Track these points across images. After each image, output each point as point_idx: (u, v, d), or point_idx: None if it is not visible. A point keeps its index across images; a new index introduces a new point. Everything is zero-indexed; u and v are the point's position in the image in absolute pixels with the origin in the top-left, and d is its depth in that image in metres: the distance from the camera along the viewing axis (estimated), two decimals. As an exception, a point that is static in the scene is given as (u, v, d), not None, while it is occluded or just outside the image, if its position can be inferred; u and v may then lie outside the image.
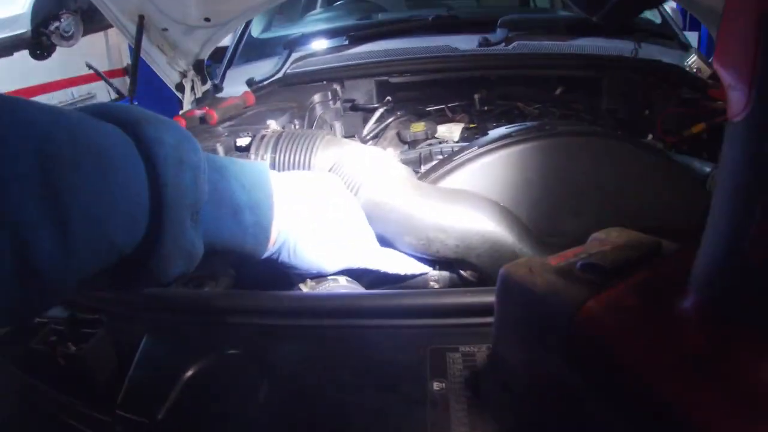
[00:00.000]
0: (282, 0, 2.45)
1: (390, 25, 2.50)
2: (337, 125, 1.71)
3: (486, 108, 2.06)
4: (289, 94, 2.05)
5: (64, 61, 10.23)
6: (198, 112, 1.91)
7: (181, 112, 2.52)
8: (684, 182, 1.22)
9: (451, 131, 1.84)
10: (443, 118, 2.09)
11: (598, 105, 2.05)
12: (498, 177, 1.19)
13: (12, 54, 8.36)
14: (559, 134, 1.21)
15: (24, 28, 7.88)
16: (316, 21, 3.10)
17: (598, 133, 1.25)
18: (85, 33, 8.12)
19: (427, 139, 1.78)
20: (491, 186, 1.18)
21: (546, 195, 1.19)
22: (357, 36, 2.43)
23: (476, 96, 2.07)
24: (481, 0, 3.71)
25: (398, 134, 1.84)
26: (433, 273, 1.12)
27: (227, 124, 1.74)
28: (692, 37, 4.21)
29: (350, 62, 2.26)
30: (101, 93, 12.25)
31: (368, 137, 2.00)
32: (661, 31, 2.57)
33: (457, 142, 1.80)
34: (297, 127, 1.77)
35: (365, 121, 2.08)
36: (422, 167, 1.41)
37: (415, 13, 3.00)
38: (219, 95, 2.53)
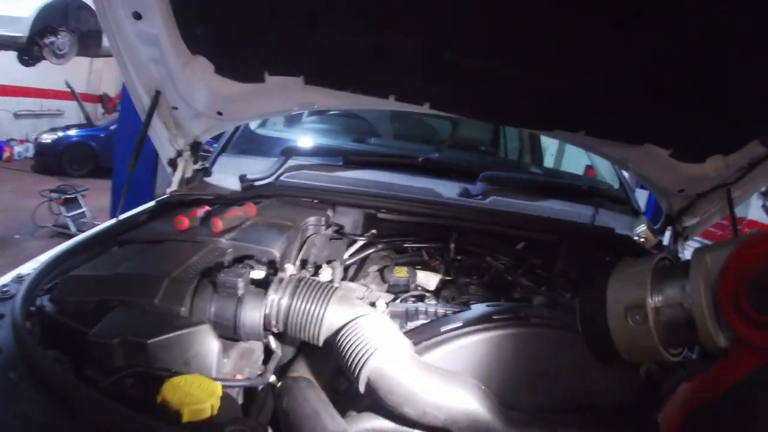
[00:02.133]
0: (289, 113, 2.65)
1: (384, 157, 2.74)
2: (338, 270, 1.86)
3: (459, 257, 2.28)
4: (286, 210, 2.18)
5: (45, 72, 10.09)
6: (199, 212, 2.03)
7: (168, 190, 2.61)
8: (624, 370, 1.40)
9: (428, 279, 2.03)
10: (419, 258, 2.30)
11: (554, 265, 2.29)
12: (477, 355, 1.41)
13: (-1, 51, 8.05)
14: (530, 324, 1.47)
15: (22, 32, 7.82)
16: (311, 130, 3.31)
17: (559, 326, 1.48)
18: (78, 54, 8.08)
19: (407, 284, 1.97)
20: (471, 361, 1.40)
21: (513, 374, 1.42)
22: (352, 160, 2.64)
23: (451, 245, 2.28)
24: (459, 131, 4.02)
25: (381, 274, 2.02)
26: (417, 432, 1.31)
27: (229, 235, 1.85)
28: (643, 195, 4.56)
29: (344, 187, 2.43)
30: (70, 113, 11.96)
31: (348, 263, 2.18)
32: (617, 196, 2.88)
33: (432, 291, 2.01)
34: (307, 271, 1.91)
35: (348, 247, 2.26)
36: (408, 323, 1.58)
37: (405, 147, 3.26)
38: (207, 179, 2.62)
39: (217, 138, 2.99)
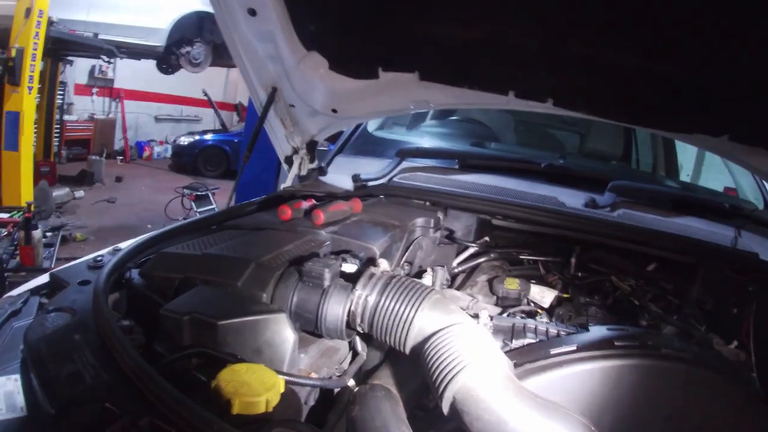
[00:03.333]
0: (405, 113, 2.54)
1: (503, 161, 2.53)
2: (440, 273, 1.70)
3: (580, 274, 2.03)
4: (394, 209, 2.04)
5: (184, 80, 11.02)
6: (304, 204, 1.95)
7: (282, 186, 2.61)
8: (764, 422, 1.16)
9: (543, 295, 1.80)
10: (535, 272, 2.07)
11: (687, 291, 1.98)
12: (590, 386, 1.17)
13: (140, 59, 8.96)
14: (659, 356, 1.21)
15: (159, 42, 8.53)
16: (429, 134, 3.17)
17: (698, 362, 1.22)
18: (213, 64, 8.67)
19: (519, 298, 1.76)
20: (582, 393, 1.16)
21: (631, 414, 1.17)
22: (469, 164, 2.47)
23: (572, 260, 2.04)
24: (587, 143, 3.71)
25: (490, 284, 1.82)
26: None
27: (330, 229, 1.75)
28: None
29: (457, 190, 2.26)
30: (207, 119, 12.97)
31: (457, 270, 2.00)
32: (762, 218, 2.47)
33: (545, 309, 1.78)
34: (401, 268, 1.77)
35: (458, 253, 2.08)
36: (513, 341, 1.38)
37: (526, 152, 3.04)
38: (322, 178, 2.60)
39: (335, 139, 2.96)
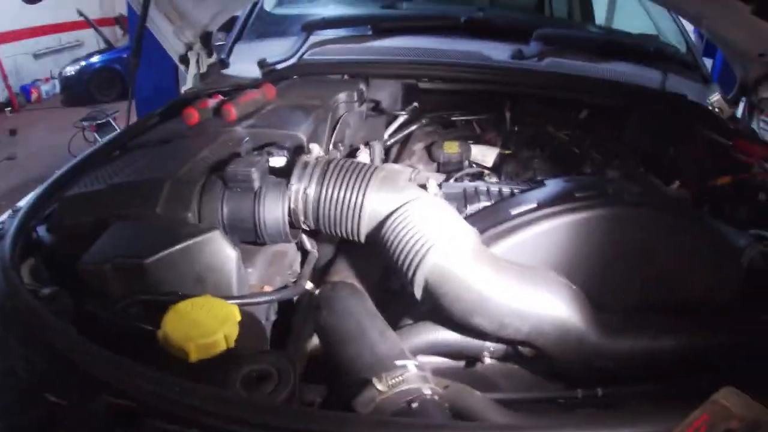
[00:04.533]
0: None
1: (419, 20, 2.34)
2: (377, 148, 1.56)
3: (516, 128, 1.94)
4: (312, 89, 1.85)
5: (54, 5, 9.82)
6: (211, 102, 1.73)
7: (183, 89, 2.35)
8: (724, 258, 1.16)
9: (484, 154, 1.71)
10: (471, 132, 1.96)
11: (622, 135, 1.95)
12: (559, 243, 1.10)
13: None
14: (623, 204, 1.16)
15: None
16: (334, 2, 2.89)
17: (658, 206, 1.21)
18: None
19: (461, 161, 1.66)
20: (551, 251, 1.10)
21: (602, 266, 1.11)
22: (383, 27, 2.26)
23: (507, 114, 1.94)
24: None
25: (428, 151, 1.70)
26: (488, 344, 1.03)
27: (246, 123, 1.55)
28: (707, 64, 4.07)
29: (376, 58, 2.07)
30: (90, 41, 11.76)
31: (390, 142, 1.87)
32: (686, 61, 2.44)
33: (490, 168, 1.69)
34: (336, 149, 1.63)
35: (387, 124, 1.94)
36: (468, 207, 1.29)
37: (442, 8, 2.83)
38: (225, 71, 2.35)
39: (231, 28, 2.67)
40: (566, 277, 1.04)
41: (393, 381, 0.80)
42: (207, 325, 0.81)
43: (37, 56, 11.60)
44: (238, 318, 0.84)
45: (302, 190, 1.08)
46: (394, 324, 1.05)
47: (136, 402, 0.74)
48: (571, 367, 1.03)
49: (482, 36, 2.22)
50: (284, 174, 1.14)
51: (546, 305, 0.95)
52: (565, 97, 2.00)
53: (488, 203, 1.28)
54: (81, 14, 10.53)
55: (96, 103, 9.79)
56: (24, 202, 1.39)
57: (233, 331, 0.82)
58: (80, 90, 10.41)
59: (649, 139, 1.87)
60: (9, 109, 10.77)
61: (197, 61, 2.36)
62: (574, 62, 2.08)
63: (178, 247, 0.97)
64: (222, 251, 0.99)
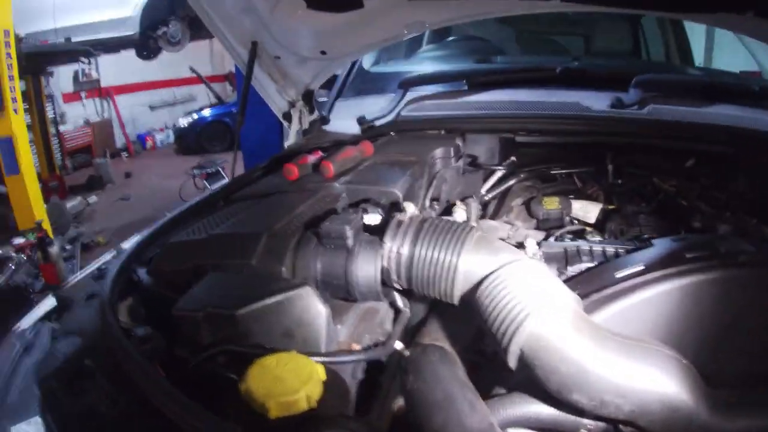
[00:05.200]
0: (402, 39, 2.33)
1: (514, 74, 2.31)
2: (474, 206, 1.53)
3: (619, 181, 1.84)
4: (408, 145, 1.86)
5: (169, 63, 10.76)
6: (311, 158, 1.77)
7: (286, 144, 2.43)
8: None
9: (586, 210, 1.62)
10: (570, 186, 1.88)
11: (731, 184, 1.79)
12: (668, 310, 0.99)
13: (118, 52, 8.78)
14: (738, 265, 1.04)
15: (132, 30, 8.28)
16: (429, 59, 2.93)
17: None
18: (192, 39, 8.44)
19: (561, 217, 1.58)
20: (659, 320, 0.99)
21: (716, 334, 0.99)
22: (478, 82, 2.25)
23: (609, 166, 1.85)
24: (593, 44, 3.46)
25: (527, 207, 1.65)
26: (585, 421, 0.94)
27: (344, 179, 1.57)
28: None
29: (472, 112, 2.06)
30: (201, 96, 12.75)
31: (487, 198, 1.82)
32: None
33: (593, 225, 1.60)
34: (432, 209, 1.61)
35: (485, 180, 1.90)
36: (569, 268, 1.22)
37: (537, 59, 2.80)
38: (325, 127, 2.42)
39: (331, 86, 2.76)
40: (675, 348, 0.93)
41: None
42: (290, 382, 0.79)
43: (152, 108, 12.67)
44: (323, 378, 0.82)
45: (395, 249, 1.06)
46: (485, 390, 0.99)
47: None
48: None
49: (579, 86, 2.15)
50: (378, 232, 1.12)
51: (652, 382, 0.85)
52: (670, 146, 1.88)
53: (591, 264, 1.21)
54: (193, 71, 11.41)
55: (206, 153, 10.44)
56: (128, 245, 1.47)
57: (316, 391, 0.80)
58: (192, 140, 11.20)
59: (761, 188, 1.71)
60: (125, 154, 11.72)
61: (299, 118, 2.46)
62: (677, 108, 1.95)
63: (269, 301, 0.97)
64: (312, 307, 0.98)
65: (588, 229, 1.57)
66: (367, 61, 2.89)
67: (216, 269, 1.15)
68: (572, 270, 1.20)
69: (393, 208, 1.40)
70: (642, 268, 1.07)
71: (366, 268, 1.07)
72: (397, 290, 1.16)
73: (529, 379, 0.89)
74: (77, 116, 11.17)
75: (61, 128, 10.43)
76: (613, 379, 0.82)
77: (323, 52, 2.18)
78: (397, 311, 1.23)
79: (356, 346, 1.07)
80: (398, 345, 1.12)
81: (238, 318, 0.95)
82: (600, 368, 0.82)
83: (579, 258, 1.23)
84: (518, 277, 0.92)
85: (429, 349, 1.03)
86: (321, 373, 0.82)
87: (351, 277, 1.08)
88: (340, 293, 1.13)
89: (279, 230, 1.23)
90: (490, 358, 1.13)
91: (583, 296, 1.01)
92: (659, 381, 0.84)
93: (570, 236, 1.46)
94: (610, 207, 1.66)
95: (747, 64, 2.80)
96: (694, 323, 1.00)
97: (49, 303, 1.41)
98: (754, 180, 1.73)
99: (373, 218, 1.21)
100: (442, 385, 0.91)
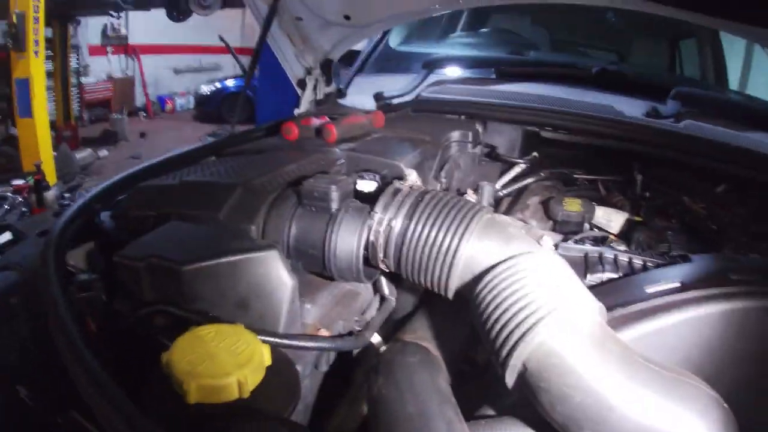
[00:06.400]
0: (431, 14, 2.15)
1: (547, 67, 2.11)
2: (487, 190, 1.34)
3: (647, 194, 1.64)
4: (424, 124, 1.66)
5: (199, 28, 10.64)
6: (315, 121, 1.58)
7: (296, 112, 2.26)
8: None
9: (610, 218, 1.42)
10: (594, 193, 1.68)
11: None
12: (708, 338, 0.81)
13: (148, 9, 8.70)
14: None
15: None
16: (459, 45, 2.73)
17: None
18: (223, 6, 8.35)
19: (581, 222, 1.38)
20: (696, 348, 0.81)
21: (762, 373, 0.81)
22: (507, 72, 2.06)
23: (638, 177, 1.65)
24: (627, 63, 3.27)
25: (545, 207, 1.45)
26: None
27: (346, 145, 1.39)
28: None
29: (497, 100, 1.88)
30: (227, 66, 12.65)
31: (503, 192, 1.63)
32: None
33: (616, 235, 1.41)
34: (437, 180, 1.42)
35: (502, 173, 1.70)
36: (588, 276, 1.03)
37: (572, 58, 2.60)
38: (341, 101, 2.25)
39: (352, 62, 2.59)
40: (712, 382, 0.73)
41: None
42: (222, 362, 0.61)
43: (177, 71, 12.60)
44: (267, 363, 0.63)
45: (386, 221, 0.86)
46: (470, 409, 0.79)
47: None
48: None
49: (614, 89, 1.98)
50: (371, 201, 0.93)
51: (684, 424, 0.65)
52: (703, 165, 1.69)
53: (615, 275, 1.01)
54: (222, 40, 11.30)
55: (224, 122, 10.32)
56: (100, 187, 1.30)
57: (253, 378, 0.61)
58: (211, 108, 11.11)
59: None
60: (144, 114, 11.65)
61: (315, 87, 2.30)
62: (715, 127, 1.77)
63: (224, 259, 0.78)
64: (276, 275, 0.80)
65: (611, 237, 1.37)
66: (394, 40, 2.72)
67: (180, 218, 0.97)
68: (592, 279, 1.01)
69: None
70: (678, 284, 0.88)
71: (348, 239, 0.88)
72: (384, 273, 0.97)
73: (527, 403, 0.69)
74: (100, 70, 11.11)
75: (83, 80, 10.37)
76: (642, 421, 0.62)
77: (347, 17, 2.01)
78: (382, 299, 1.04)
79: (324, 332, 0.87)
80: (375, 338, 0.93)
81: (185, 274, 0.77)
82: (627, 404, 0.62)
83: (601, 266, 1.03)
84: (532, 273, 0.72)
85: (408, 347, 0.84)
86: (266, 357, 0.63)
87: (329, 246, 0.88)
88: (315, 266, 0.93)
89: (257, 185, 1.03)
90: (482, 370, 0.93)
91: (607, 310, 0.81)
92: (694, 425, 0.64)
93: (590, 242, 1.26)
94: (637, 219, 1.45)
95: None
96: (736, 357, 0.81)
97: (5, 236, 1.28)
98: None
99: (367, 185, 1.02)
100: (417, 396, 0.71)
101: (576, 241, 1.22)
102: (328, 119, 1.61)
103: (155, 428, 0.54)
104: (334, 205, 0.90)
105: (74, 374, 0.65)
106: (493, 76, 2.08)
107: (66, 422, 0.71)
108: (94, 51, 10.91)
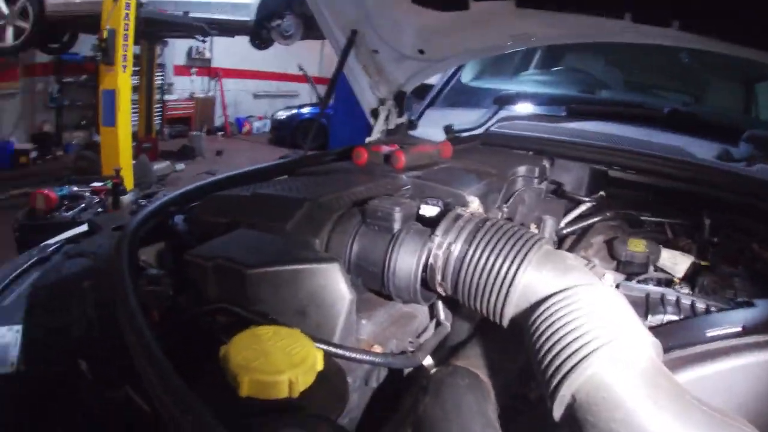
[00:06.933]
0: (504, 51, 2.17)
1: (618, 106, 2.09)
2: (549, 223, 1.33)
3: (715, 240, 1.58)
4: (491, 157, 1.66)
5: (280, 56, 11.08)
6: (385, 149, 1.61)
7: (367, 140, 2.31)
8: None
9: (675, 261, 1.38)
10: (660, 235, 1.64)
11: None
12: (765, 384, 0.77)
13: (233, 36, 9.09)
14: None
15: (249, 16, 8.54)
16: (531, 82, 2.73)
17: None
18: (304, 37, 8.61)
19: (646, 263, 1.35)
20: (754, 394, 0.77)
21: None
22: (578, 110, 2.05)
23: (707, 222, 1.59)
24: (700, 99, 3.17)
25: (609, 246, 1.42)
26: None
27: (413, 173, 1.42)
28: None
29: (565, 138, 1.86)
30: (304, 94, 13.09)
31: (567, 230, 1.61)
32: None
33: (681, 279, 1.36)
34: (499, 210, 1.42)
35: (567, 211, 1.68)
36: (649, 317, 1.00)
37: (643, 98, 2.56)
38: (411, 132, 2.30)
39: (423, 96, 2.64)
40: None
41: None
42: (275, 360, 0.63)
43: (256, 96, 13.09)
44: (319, 367, 0.65)
45: (446, 244, 0.88)
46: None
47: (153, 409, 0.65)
48: None
49: (685, 131, 1.94)
50: (433, 225, 0.94)
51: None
52: None
53: (676, 317, 0.98)
54: (301, 69, 11.69)
55: (297, 147, 10.62)
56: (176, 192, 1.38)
57: (304, 379, 0.63)
58: (286, 133, 11.46)
59: None
60: (221, 133, 12.15)
61: (387, 117, 2.37)
62: None
63: (288, 267, 0.82)
64: (336, 288, 0.82)
65: (676, 280, 1.32)
66: (467, 75, 2.75)
67: (249, 227, 1.02)
68: (653, 320, 0.98)
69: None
70: (740, 329, 0.85)
71: (407, 259, 0.89)
72: (441, 297, 0.98)
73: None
74: (183, 89, 11.70)
75: (166, 97, 10.92)
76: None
77: (421, 51, 2.08)
78: (437, 324, 1.04)
79: (378, 348, 0.89)
80: (428, 360, 0.93)
81: (249, 277, 0.81)
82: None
83: (663, 308, 1.00)
84: (588, 304, 0.71)
85: (459, 371, 0.84)
86: (317, 362, 0.65)
87: (389, 265, 0.90)
88: (374, 284, 0.95)
89: (325, 202, 1.07)
90: (533, 405, 0.92)
91: (664, 351, 0.79)
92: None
93: (653, 283, 1.23)
94: (703, 263, 1.40)
95: None
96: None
97: (83, 227, 1.44)
98: None
99: (430, 210, 1.03)
100: (462, 418, 0.71)
101: (639, 282, 1.19)
102: (397, 147, 1.65)
103: (203, 408, 0.57)
104: (397, 226, 0.93)
105: (135, 354, 0.69)
106: (564, 114, 2.06)
107: (119, 397, 0.75)
108: (179, 71, 11.55)
